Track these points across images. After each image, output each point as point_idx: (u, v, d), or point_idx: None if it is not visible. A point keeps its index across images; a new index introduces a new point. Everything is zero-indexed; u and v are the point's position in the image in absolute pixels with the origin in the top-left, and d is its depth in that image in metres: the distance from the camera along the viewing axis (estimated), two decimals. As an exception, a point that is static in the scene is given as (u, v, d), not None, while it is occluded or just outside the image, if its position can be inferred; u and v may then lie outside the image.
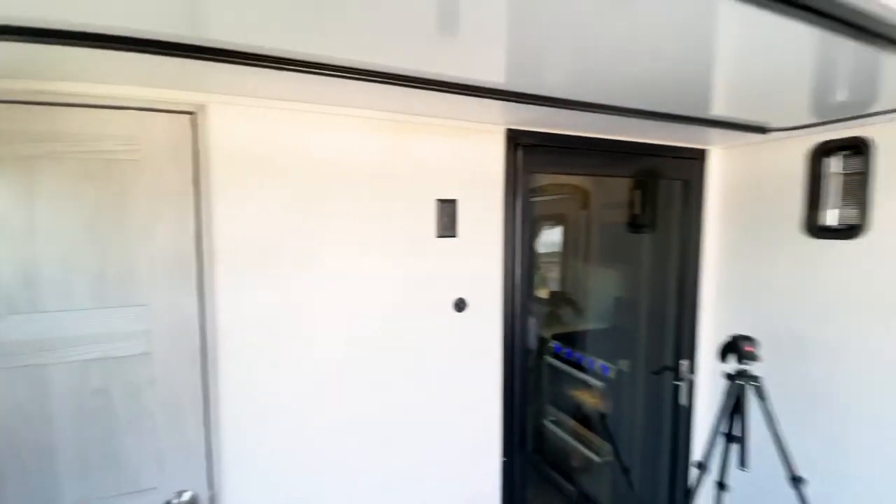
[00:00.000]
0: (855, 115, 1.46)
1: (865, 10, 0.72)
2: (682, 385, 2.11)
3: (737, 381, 1.54)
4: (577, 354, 3.00)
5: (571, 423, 3.07)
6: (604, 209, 2.95)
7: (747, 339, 1.53)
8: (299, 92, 1.19)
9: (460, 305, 1.57)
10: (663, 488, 2.26)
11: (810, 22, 0.75)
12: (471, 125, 1.53)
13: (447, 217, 1.52)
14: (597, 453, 2.79)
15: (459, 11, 0.77)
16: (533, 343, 3.04)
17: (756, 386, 1.53)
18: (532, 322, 1.79)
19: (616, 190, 2.63)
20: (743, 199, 1.98)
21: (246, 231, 1.27)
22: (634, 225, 2.41)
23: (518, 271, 1.66)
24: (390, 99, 1.25)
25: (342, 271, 1.40)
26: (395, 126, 1.42)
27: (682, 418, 2.16)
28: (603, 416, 2.72)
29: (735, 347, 1.53)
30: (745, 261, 1.97)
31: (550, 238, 3.39)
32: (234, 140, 1.24)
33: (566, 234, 3.32)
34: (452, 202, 1.53)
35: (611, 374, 2.74)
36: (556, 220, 3.31)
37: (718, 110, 1.45)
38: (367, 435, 1.48)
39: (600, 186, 2.94)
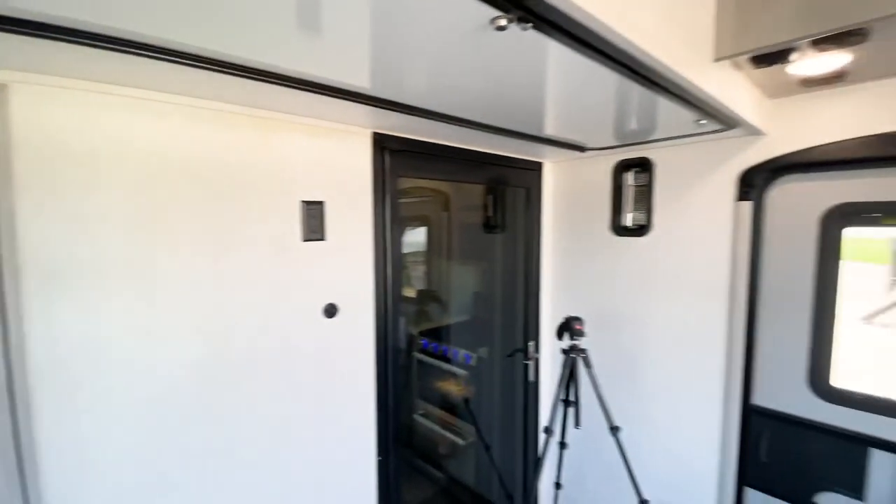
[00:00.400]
0: (642, 140, 1.91)
1: (647, 62, 0.96)
2: (530, 363, 2.45)
3: (570, 355, 1.86)
4: (443, 347, 3.20)
5: (439, 412, 3.26)
6: (462, 211, 3.21)
7: (577, 319, 1.87)
8: (133, 76, 1.02)
9: (330, 311, 1.54)
10: (519, 457, 2.58)
11: (609, 67, 0.97)
12: (338, 126, 1.52)
13: (314, 219, 1.48)
14: (462, 437, 3.03)
15: (320, 10, 0.76)
16: (403, 342, 3.14)
17: (584, 357, 1.87)
18: (402, 321, 1.86)
19: (472, 194, 2.89)
20: (569, 205, 2.39)
21: (63, 241, 1.03)
22: (488, 226, 2.69)
23: (389, 272, 1.71)
24: (251, 93, 1.17)
25: (194, 283, 1.24)
26: (256, 122, 1.33)
27: (531, 393, 2.50)
28: (466, 402, 2.95)
29: (568, 327, 1.85)
30: (573, 255, 2.39)
31: (416, 238, 3.53)
32: (44, 129, 1.00)
33: (430, 235, 3.50)
34: (319, 204, 1.50)
35: (473, 362, 3.00)
36: (420, 220, 3.47)
37: (549, 130, 1.73)
38: (232, 459, 1.35)
39: (459, 190, 3.19)
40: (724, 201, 1.82)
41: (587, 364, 1.87)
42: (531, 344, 2.44)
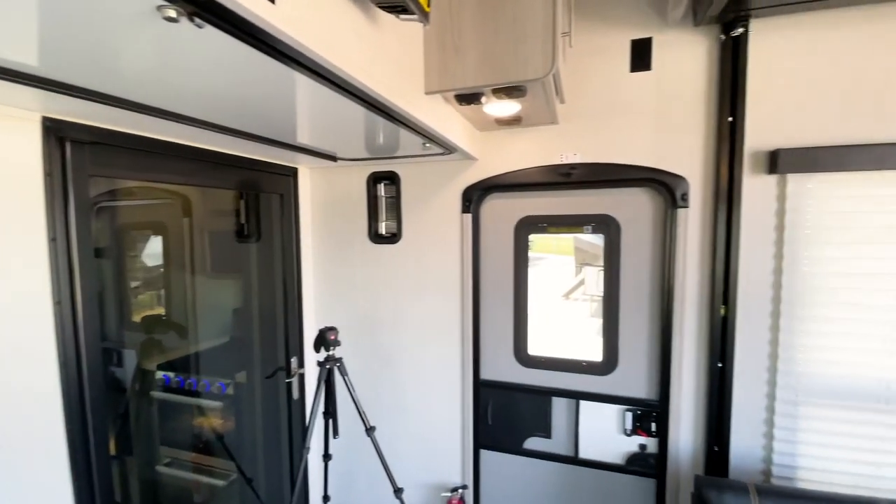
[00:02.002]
0: (388, 156, 2.06)
1: (359, 87, 1.03)
2: (294, 381, 2.33)
3: (325, 366, 1.85)
4: (192, 379, 2.72)
5: (191, 456, 2.77)
6: (210, 217, 2.81)
7: (331, 329, 1.88)
8: None
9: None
10: (286, 482, 2.42)
11: (329, 87, 1.00)
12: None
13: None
14: (222, 478, 2.65)
15: None
16: (129, 381, 2.52)
17: (339, 366, 1.89)
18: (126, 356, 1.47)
19: (221, 198, 2.56)
20: (329, 213, 2.39)
21: None
22: (242, 234, 2.44)
23: (78, 299, 1.32)
24: None
25: None
26: None
27: (295, 411, 2.39)
28: (221, 437, 2.60)
29: (323, 338, 1.84)
30: (335, 263, 2.40)
31: (151, 249, 2.89)
32: None
33: (168, 246, 2.93)
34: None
35: (229, 391, 2.66)
36: (152, 228, 2.86)
37: (292, 138, 1.68)
38: None
39: (203, 193, 2.78)
40: (454, 213, 2.15)
41: (343, 372, 1.90)
42: (293, 360, 2.33)
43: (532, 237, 2.11)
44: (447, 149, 1.81)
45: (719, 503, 1.56)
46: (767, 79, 1.67)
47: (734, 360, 1.77)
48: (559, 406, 2.11)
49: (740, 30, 1.64)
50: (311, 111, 1.27)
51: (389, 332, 2.32)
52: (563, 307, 2.18)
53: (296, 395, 2.36)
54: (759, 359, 1.77)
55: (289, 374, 2.31)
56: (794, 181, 1.67)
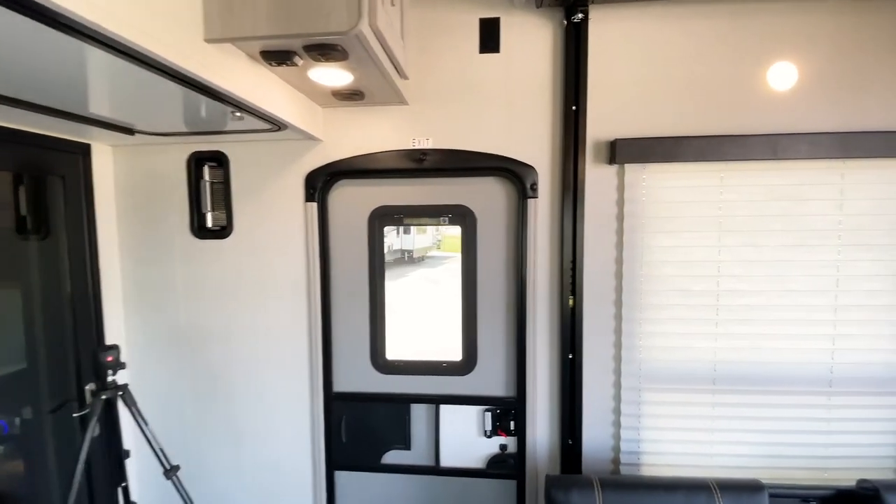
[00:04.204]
0: (209, 130, 1.70)
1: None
2: (92, 413, 1.84)
3: (101, 397, 1.44)
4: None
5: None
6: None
7: (108, 349, 1.46)
8: None
9: None
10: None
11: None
12: None
13: None
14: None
15: None
16: None
17: (123, 395, 1.49)
18: None
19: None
20: (140, 202, 1.94)
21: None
22: (23, 230, 1.86)
23: None
24: None
25: None
26: None
27: (97, 452, 1.89)
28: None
29: (96, 362, 1.42)
30: (148, 264, 1.95)
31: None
32: None
33: None
34: None
35: (15, 429, 2.04)
36: None
37: (85, 107, 1.30)
38: None
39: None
40: (296, 202, 1.86)
41: (128, 402, 1.50)
42: (90, 387, 1.83)
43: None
44: (274, 124, 1.52)
45: (567, 502, 1.50)
46: (606, 68, 1.67)
47: (583, 351, 1.75)
48: (419, 413, 1.94)
49: (580, 15, 1.62)
50: (59, 66, 0.95)
51: (221, 345, 1.94)
52: (427, 305, 2.03)
53: (96, 430, 1.86)
54: (606, 348, 1.77)
55: (82, 406, 1.81)
56: (631, 171, 1.69)
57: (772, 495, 1.50)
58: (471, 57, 1.73)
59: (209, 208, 1.91)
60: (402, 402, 1.93)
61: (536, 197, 1.73)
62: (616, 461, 1.80)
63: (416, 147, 1.78)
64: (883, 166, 1.60)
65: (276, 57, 1.21)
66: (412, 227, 1.95)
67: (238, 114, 1.38)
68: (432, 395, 1.90)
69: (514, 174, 1.74)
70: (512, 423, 1.86)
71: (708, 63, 1.64)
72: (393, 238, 1.93)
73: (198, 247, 1.91)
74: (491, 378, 1.87)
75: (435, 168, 1.78)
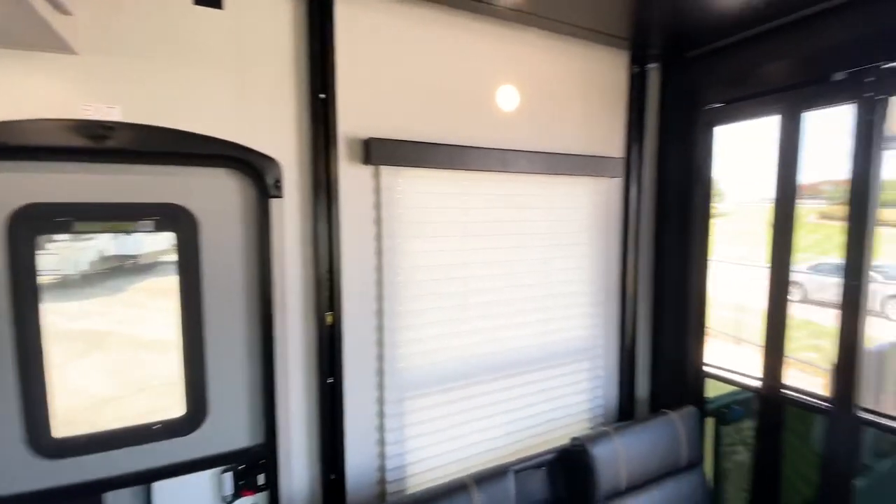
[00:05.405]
0: None
1: None
2: None
3: None
4: None
5: None
6: None
7: None
8: None
9: None
10: None
11: None
12: None
13: None
14: None
15: None
16: None
17: None
18: None
19: None
20: None
21: None
22: None
23: None
24: None
25: None
26: None
27: None
28: None
29: None
30: None
31: None
32: None
33: None
34: None
35: None
36: None
37: None
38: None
39: None
40: None
41: None
42: None
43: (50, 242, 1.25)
44: None
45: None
46: (358, 60, 1.53)
47: (343, 372, 1.57)
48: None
49: (323, -7, 1.42)
50: None
51: None
52: (140, 336, 1.45)
53: None
54: (369, 363, 1.64)
55: None
56: (387, 174, 1.61)
57: (516, 471, 1.66)
58: (182, 4, 1.30)
59: None
60: (87, 496, 1.31)
61: (282, 196, 1.44)
62: (383, 482, 1.69)
63: (93, 118, 1.21)
64: (574, 182, 2.02)
65: None
66: (98, 235, 1.36)
67: None
68: (139, 472, 1.35)
69: (252, 167, 1.39)
70: (262, 476, 1.51)
71: (453, 74, 1.71)
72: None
73: None
74: (230, 428, 1.46)
75: (128, 151, 1.26)
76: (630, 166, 2.13)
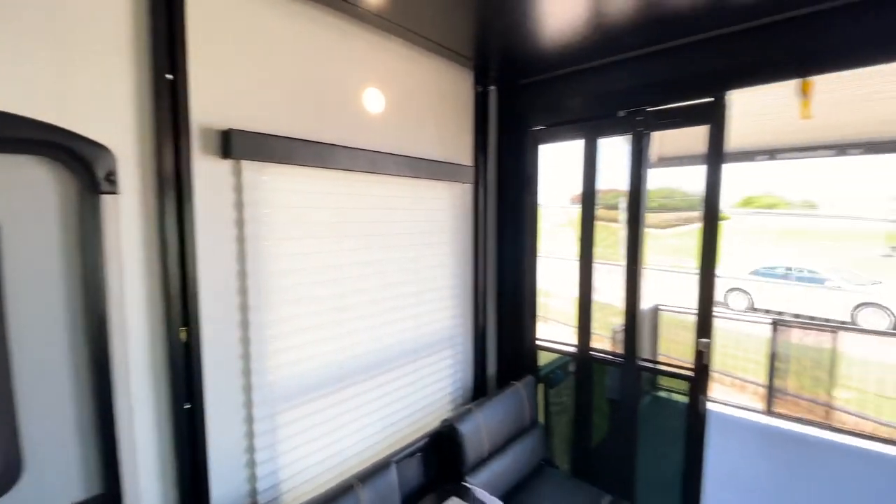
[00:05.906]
0: None
1: None
2: None
3: None
4: None
5: None
6: None
7: None
8: None
9: None
10: None
11: None
12: None
13: None
14: None
15: None
16: None
17: None
18: None
19: None
20: None
21: None
22: None
23: None
24: None
25: None
26: None
27: None
28: None
29: None
30: None
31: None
32: None
33: None
34: None
35: None
36: None
37: None
38: None
39: None
40: None
41: None
42: None
43: None
44: None
45: None
46: (213, 38, 1.36)
47: (204, 395, 1.38)
48: None
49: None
50: None
51: None
52: None
53: None
54: (234, 381, 1.48)
55: None
56: (250, 170, 1.47)
57: (396, 462, 1.73)
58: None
59: None
60: None
61: (117, 192, 1.19)
62: (255, 505, 1.55)
63: None
64: (436, 186, 2.18)
65: None
66: None
67: None
68: None
69: (76, 156, 1.11)
70: (97, 537, 1.22)
71: (321, 70, 1.66)
72: None
73: None
74: (56, 482, 1.14)
75: None
76: (478, 174, 2.42)
